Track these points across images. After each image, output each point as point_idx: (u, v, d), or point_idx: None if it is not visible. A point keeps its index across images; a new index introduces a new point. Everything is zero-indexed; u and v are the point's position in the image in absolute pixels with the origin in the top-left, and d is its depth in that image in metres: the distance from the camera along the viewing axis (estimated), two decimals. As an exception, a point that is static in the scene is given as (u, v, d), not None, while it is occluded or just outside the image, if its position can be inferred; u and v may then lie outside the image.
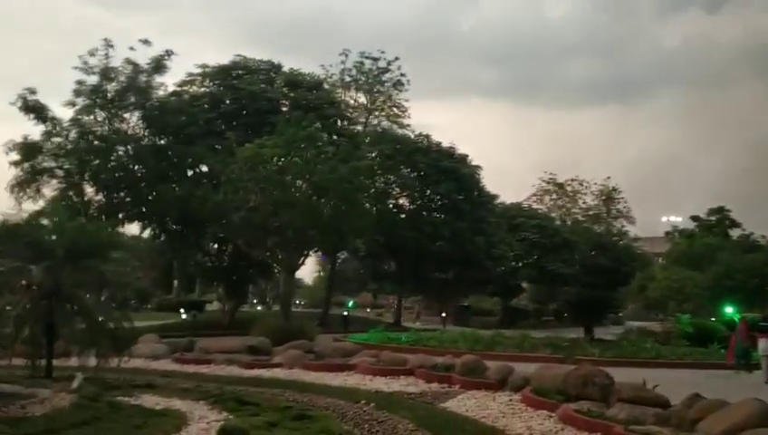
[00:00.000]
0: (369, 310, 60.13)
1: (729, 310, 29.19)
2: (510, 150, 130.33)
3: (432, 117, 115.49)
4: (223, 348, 17.88)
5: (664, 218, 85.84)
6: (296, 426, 9.18)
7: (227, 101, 29.65)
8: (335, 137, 28.72)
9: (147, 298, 48.87)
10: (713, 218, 76.96)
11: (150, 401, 10.49)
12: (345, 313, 35.29)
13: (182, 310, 31.81)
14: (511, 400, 12.01)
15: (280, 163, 22.04)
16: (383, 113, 38.89)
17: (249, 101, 29.25)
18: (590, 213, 62.59)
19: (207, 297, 47.71)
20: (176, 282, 48.27)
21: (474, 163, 38.94)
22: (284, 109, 29.94)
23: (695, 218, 78.90)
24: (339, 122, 31.77)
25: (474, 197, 38.10)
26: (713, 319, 30.99)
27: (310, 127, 24.14)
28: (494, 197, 41.36)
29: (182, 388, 12.27)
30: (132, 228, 30.91)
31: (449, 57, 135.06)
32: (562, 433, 9.43)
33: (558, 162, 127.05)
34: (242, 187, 21.35)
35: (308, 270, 62.44)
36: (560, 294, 44.67)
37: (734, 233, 75.47)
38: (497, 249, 38.43)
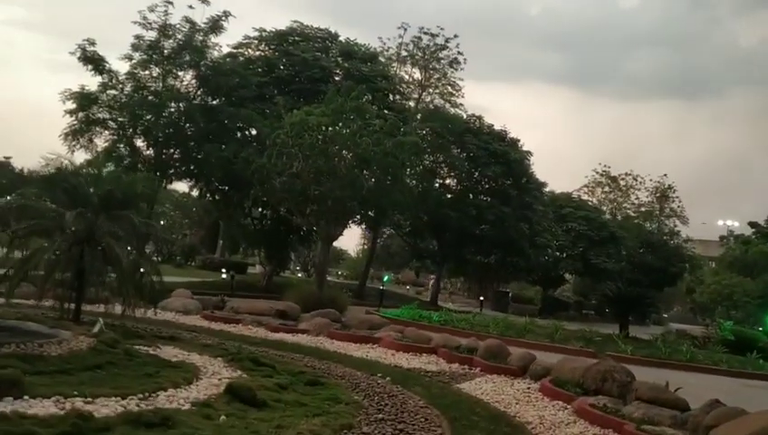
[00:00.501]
0: (408, 287, 60.34)
1: (775, 321, 28.35)
2: (570, 138, 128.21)
3: (492, 99, 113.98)
4: (252, 309, 18.11)
5: (720, 222, 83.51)
6: (306, 391, 9.26)
7: (281, 67, 29.76)
8: (386, 111, 28.59)
9: (192, 255, 50.07)
10: (772, 226, 74.50)
11: (169, 352, 10.68)
12: (382, 287, 35.42)
13: (224, 270, 32.46)
14: (529, 388, 11.87)
15: (326, 132, 22.02)
16: (437, 91, 38.50)
17: (302, 68, 29.29)
18: (643, 210, 61.15)
19: (251, 260, 48.46)
20: (221, 242, 49.09)
21: (525, 148, 38.35)
22: (337, 78, 29.92)
23: (753, 225, 76.45)
24: (390, 96, 31.60)
25: (522, 183, 37.54)
26: (758, 328, 30.02)
27: (360, 98, 24.05)
28: (543, 184, 40.65)
29: (204, 344, 12.49)
30: (183, 186, 31.56)
31: (515, 40, 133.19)
32: (573, 426, 9.26)
33: (618, 154, 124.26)
34: (286, 152, 21.41)
35: (354, 243, 62.91)
36: (599, 287, 43.91)
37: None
38: (541, 238, 37.87)
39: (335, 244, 29.74)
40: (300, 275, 50.32)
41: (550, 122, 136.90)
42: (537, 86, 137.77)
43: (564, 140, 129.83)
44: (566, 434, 8.72)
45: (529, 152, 38.07)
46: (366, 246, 53.87)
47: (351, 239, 62.89)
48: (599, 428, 9.16)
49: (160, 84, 26.20)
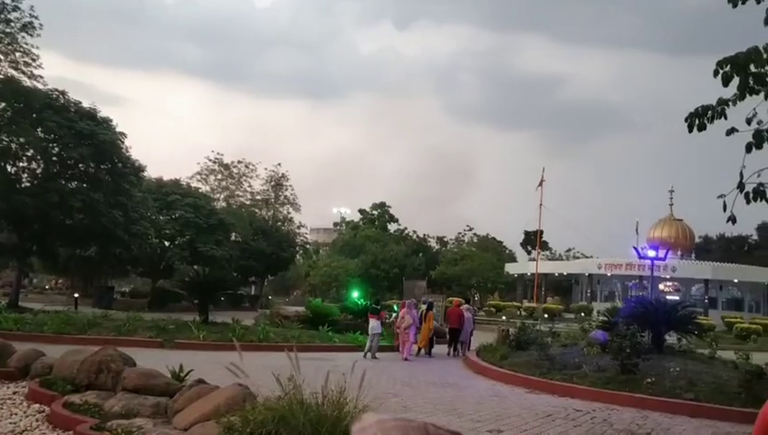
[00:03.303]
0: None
1: (355, 295, 30.25)
2: (206, 130, 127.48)
3: (125, 87, 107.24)
4: None
5: (334, 210, 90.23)
6: None
7: None
8: None
9: None
10: (375, 212, 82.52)
11: None
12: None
13: None
14: (15, 392, 9.68)
15: None
16: (8, 59, 32.97)
17: None
18: (258, 198, 62.01)
19: None
20: None
21: (119, 129, 35.00)
22: None
23: (361, 211, 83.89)
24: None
25: (117, 166, 34.35)
26: (334, 303, 31.68)
27: None
28: (141, 168, 37.67)
29: None
30: None
31: (148, 28, 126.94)
32: (28, 433, 7.38)
33: (254, 148, 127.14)
34: None
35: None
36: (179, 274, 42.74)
37: (392, 227, 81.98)
38: (138, 226, 35.17)
39: None
40: None
41: (185, 113, 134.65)
42: (172, 76, 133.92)
43: (200, 132, 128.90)
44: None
45: (123, 133, 34.99)
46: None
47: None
48: (61, 431, 7.44)
49: None
